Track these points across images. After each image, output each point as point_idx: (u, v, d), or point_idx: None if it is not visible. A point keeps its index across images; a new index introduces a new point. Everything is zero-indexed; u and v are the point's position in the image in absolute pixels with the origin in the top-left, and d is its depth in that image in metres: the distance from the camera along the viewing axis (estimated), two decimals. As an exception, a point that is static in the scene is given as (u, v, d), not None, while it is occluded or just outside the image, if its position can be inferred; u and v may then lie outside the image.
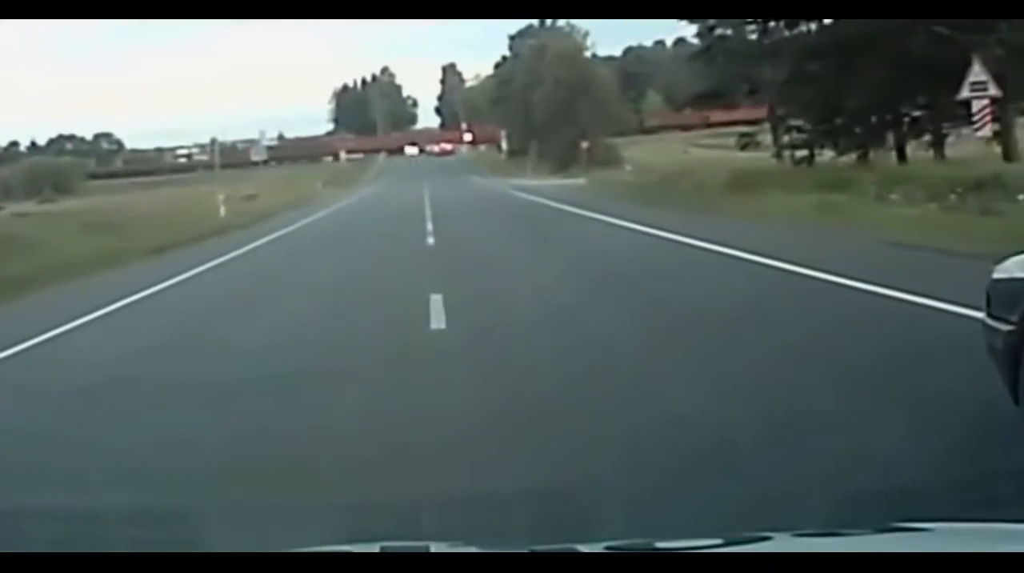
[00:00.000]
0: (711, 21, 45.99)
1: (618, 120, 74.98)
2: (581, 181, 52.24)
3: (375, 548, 2.22)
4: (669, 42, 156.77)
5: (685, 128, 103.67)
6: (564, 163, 70.89)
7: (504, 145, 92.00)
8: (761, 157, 47.36)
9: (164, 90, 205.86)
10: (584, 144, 70.52)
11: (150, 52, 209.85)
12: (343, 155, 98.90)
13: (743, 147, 49.13)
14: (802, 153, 34.23)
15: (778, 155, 47.32)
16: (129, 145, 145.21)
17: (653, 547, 2.23)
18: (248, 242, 26.92)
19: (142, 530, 4.57)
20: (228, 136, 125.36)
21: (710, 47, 48.18)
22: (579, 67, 74.09)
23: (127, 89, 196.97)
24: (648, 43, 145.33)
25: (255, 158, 53.88)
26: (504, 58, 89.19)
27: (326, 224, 34.93)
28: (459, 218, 30.36)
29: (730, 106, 54.19)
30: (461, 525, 4.73)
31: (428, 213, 32.63)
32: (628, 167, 45.08)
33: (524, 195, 42.34)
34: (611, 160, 72.97)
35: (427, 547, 2.36)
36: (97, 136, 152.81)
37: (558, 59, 72.81)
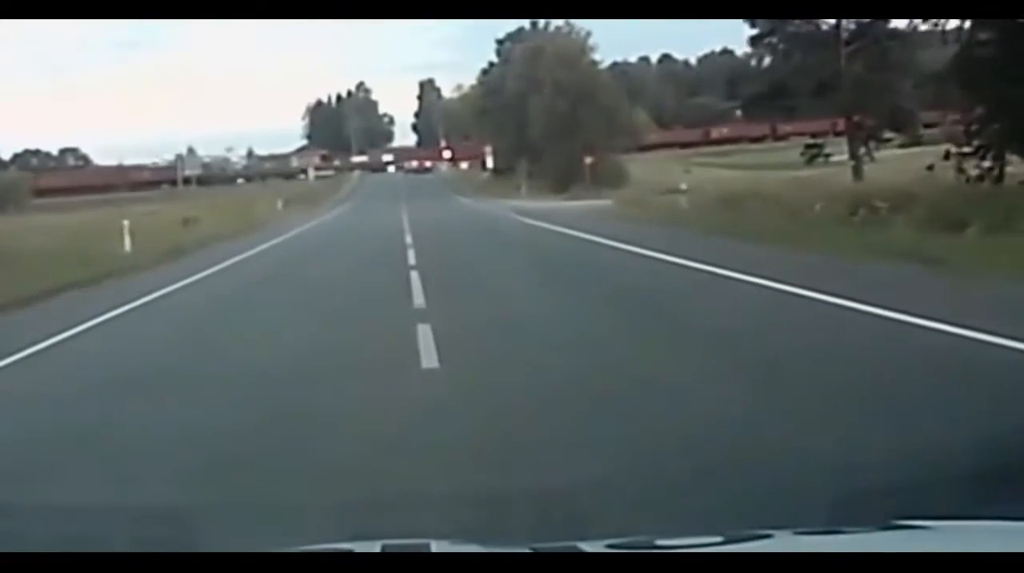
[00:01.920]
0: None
1: (629, 133, 62.14)
2: (605, 203, 39.76)
3: (376, 547, 2.14)
4: (654, 58, 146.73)
5: (684, 146, 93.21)
6: (564, 182, 58.41)
7: (489, 162, 79.00)
8: (832, 173, 35.37)
9: (134, 107, 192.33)
10: (588, 160, 58.14)
11: (120, 67, 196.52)
12: (311, 172, 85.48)
13: (810, 160, 37.32)
14: (985, 165, 21.49)
15: (857, 171, 35.46)
16: (97, 161, 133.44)
17: (654, 546, 2.12)
18: (98, 313, 14.43)
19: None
20: (199, 153, 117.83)
21: (772, 31, 36.13)
22: (582, 70, 61.53)
23: (97, 105, 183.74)
24: (632, 59, 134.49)
25: (188, 172, 41.27)
26: (491, 64, 76.25)
27: (256, 272, 21.98)
28: (471, 277, 17.01)
29: (790, 111, 41.78)
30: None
31: (411, 257, 20.40)
32: (683, 186, 32.44)
33: (544, 225, 29.79)
34: (618, 179, 60.63)
35: (428, 546, 2.24)
36: (63, 151, 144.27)
37: (558, 61, 60.29)
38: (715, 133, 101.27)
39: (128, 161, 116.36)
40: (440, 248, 23.46)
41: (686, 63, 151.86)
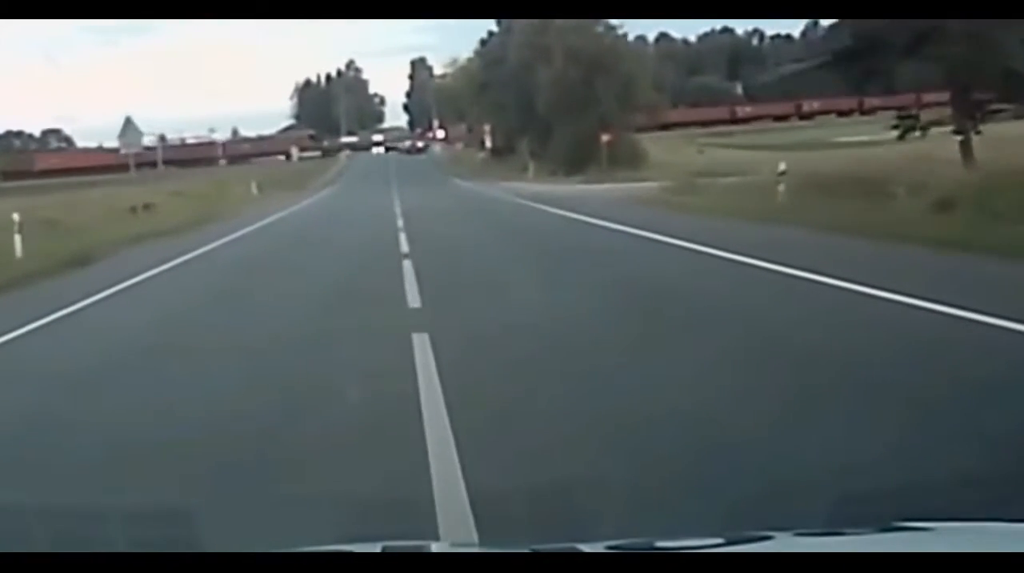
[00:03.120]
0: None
1: (651, 107, 53.01)
2: (640, 187, 31.19)
3: (376, 548, 2.04)
4: (651, 38, 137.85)
5: (777, 119, 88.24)
6: (577, 163, 49.82)
7: (487, 142, 70.01)
8: (929, 149, 26.94)
9: (121, 88, 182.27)
10: (605, 138, 49.53)
11: (107, 49, 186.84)
12: (295, 152, 76.03)
13: (904, 133, 29.04)
14: None
15: (966, 147, 27.04)
16: (81, 142, 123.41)
17: (654, 547, 2.04)
18: None
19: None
20: (186, 133, 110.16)
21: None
22: (599, 36, 52.63)
23: (82, 87, 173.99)
24: (630, 38, 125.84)
25: (124, 151, 32.70)
26: (491, 34, 67.25)
27: (169, 306, 13.06)
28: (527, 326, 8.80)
29: (879, 75, 33.12)
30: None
31: (411, 289, 11.79)
32: (783, 166, 23.68)
33: (593, 222, 21.09)
34: (636, 160, 52.17)
35: (428, 547, 2.19)
36: (46, 132, 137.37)
37: (570, 26, 51.42)
38: (806, 106, 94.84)
39: (110, 143, 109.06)
40: (456, 265, 14.92)
41: (685, 42, 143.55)
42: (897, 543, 2.07)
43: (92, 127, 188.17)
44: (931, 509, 2.40)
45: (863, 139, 68.93)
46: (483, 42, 68.73)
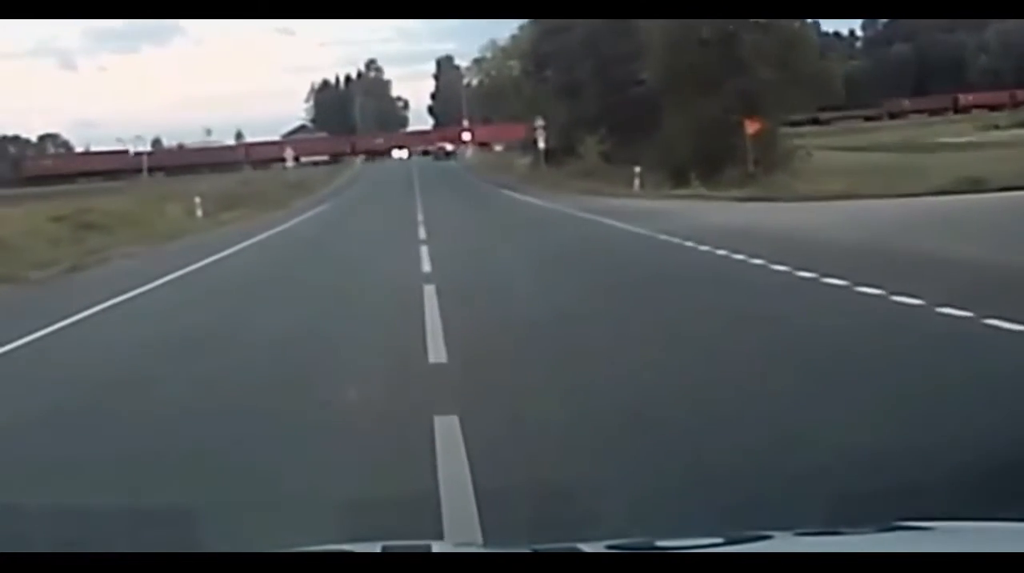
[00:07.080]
0: None
1: (823, 84, 32.30)
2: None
3: (376, 548, 1.98)
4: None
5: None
6: (708, 166, 30.12)
7: (540, 141, 49.87)
8: None
9: (122, 90, 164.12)
10: (751, 127, 29.88)
11: (117, 57, 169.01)
12: (289, 158, 55.93)
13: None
14: None
15: None
16: (80, 147, 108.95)
17: (654, 546, 1.99)
18: None
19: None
20: (189, 139, 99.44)
21: None
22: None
23: (83, 90, 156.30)
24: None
25: None
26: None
27: None
28: None
29: None
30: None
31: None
32: None
33: None
34: (787, 162, 32.44)
35: (428, 546, 2.10)
36: (42, 138, 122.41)
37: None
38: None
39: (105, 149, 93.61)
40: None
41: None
42: (897, 543, 2.00)
43: (101, 133, 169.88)
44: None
45: (971, 139, 50.78)
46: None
